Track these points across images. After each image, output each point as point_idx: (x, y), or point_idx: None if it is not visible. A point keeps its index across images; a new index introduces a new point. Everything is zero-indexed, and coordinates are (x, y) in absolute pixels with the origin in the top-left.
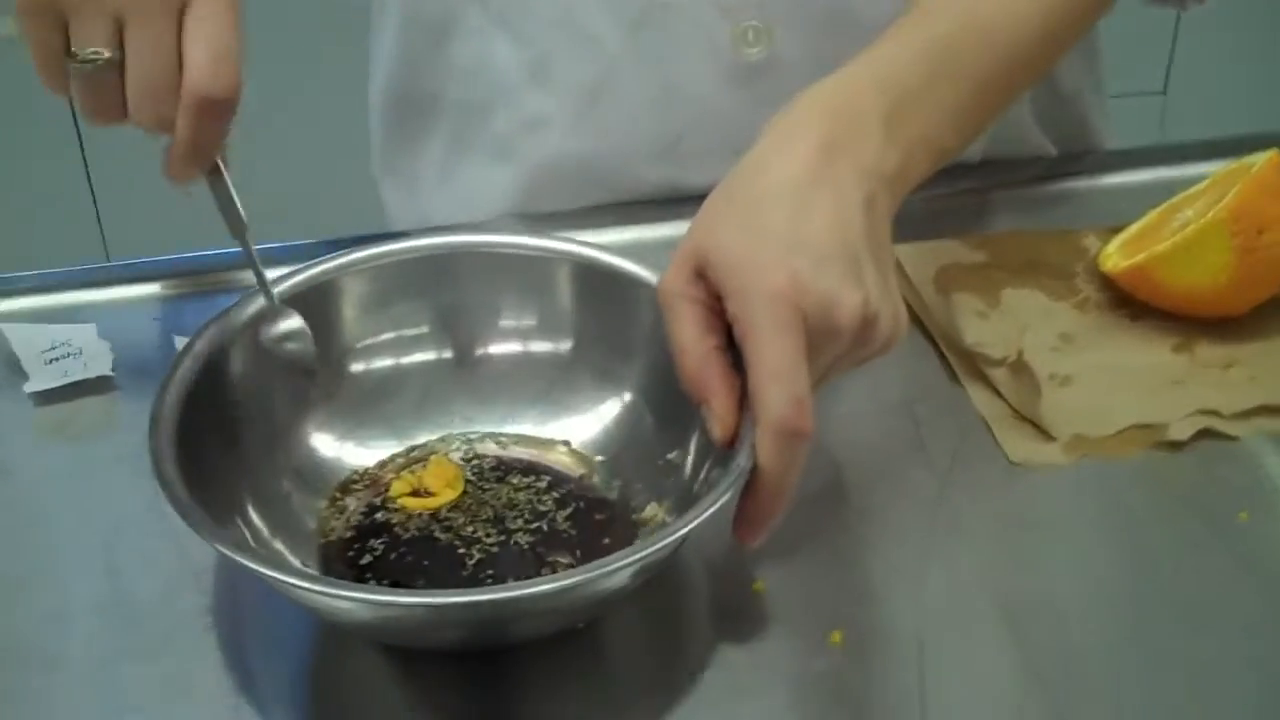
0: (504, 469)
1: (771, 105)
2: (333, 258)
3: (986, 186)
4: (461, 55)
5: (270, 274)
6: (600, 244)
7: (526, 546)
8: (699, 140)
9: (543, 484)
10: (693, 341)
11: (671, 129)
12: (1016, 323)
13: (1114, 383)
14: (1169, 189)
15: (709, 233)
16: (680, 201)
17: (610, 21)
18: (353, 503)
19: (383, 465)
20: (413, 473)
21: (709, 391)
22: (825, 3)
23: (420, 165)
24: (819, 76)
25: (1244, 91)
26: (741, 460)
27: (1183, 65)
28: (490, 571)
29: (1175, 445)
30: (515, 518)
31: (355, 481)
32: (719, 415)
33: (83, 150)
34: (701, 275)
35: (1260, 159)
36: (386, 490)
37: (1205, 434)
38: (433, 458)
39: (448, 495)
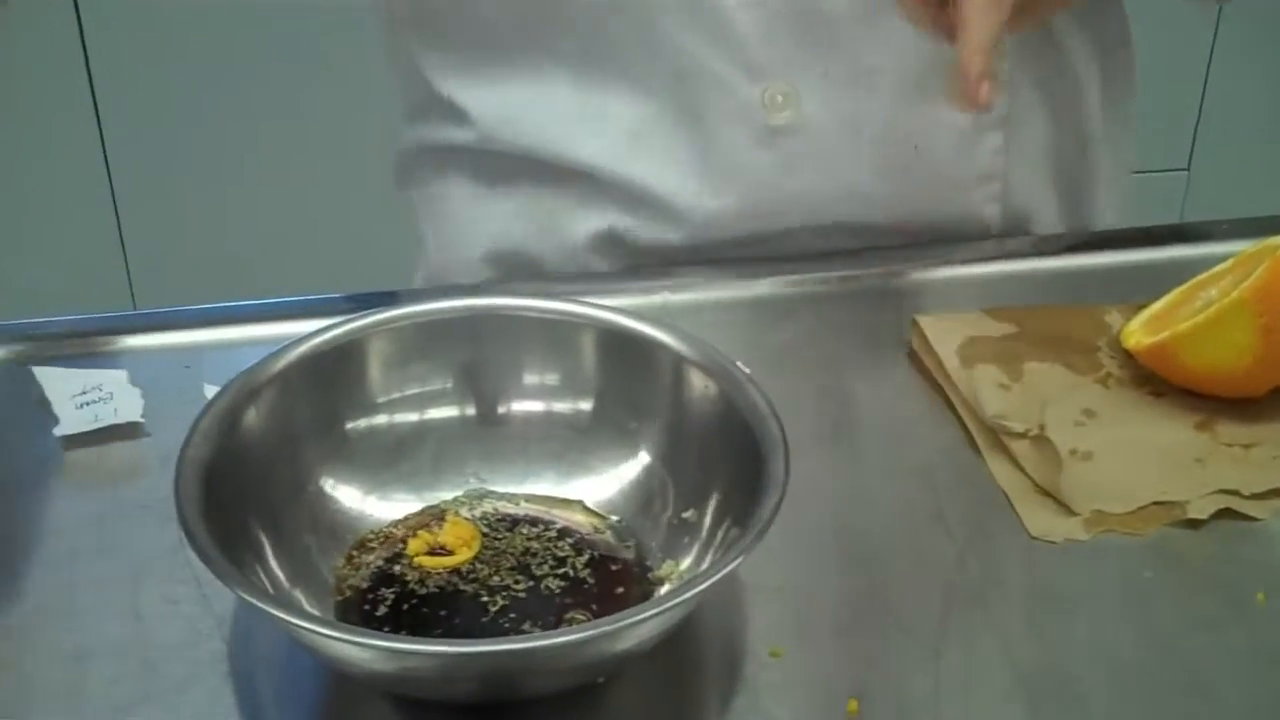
0: (519, 525)
1: (799, 169)
2: (359, 317)
3: (1011, 260)
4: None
5: (300, 330)
6: (622, 307)
7: (546, 595)
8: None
9: (552, 533)
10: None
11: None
12: (1039, 396)
13: (1135, 459)
14: (1192, 268)
15: None
16: (699, 264)
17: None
18: (370, 559)
19: (401, 523)
20: (430, 531)
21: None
22: (850, 63)
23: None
24: (846, 138)
25: (1268, 170)
26: (764, 512)
27: (1206, 142)
28: (510, 618)
29: (1195, 524)
30: (539, 565)
31: (373, 538)
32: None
33: (114, 199)
34: None
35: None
36: (404, 548)
37: (1225, 513)
38: (450, 516)
39: (464, 554)
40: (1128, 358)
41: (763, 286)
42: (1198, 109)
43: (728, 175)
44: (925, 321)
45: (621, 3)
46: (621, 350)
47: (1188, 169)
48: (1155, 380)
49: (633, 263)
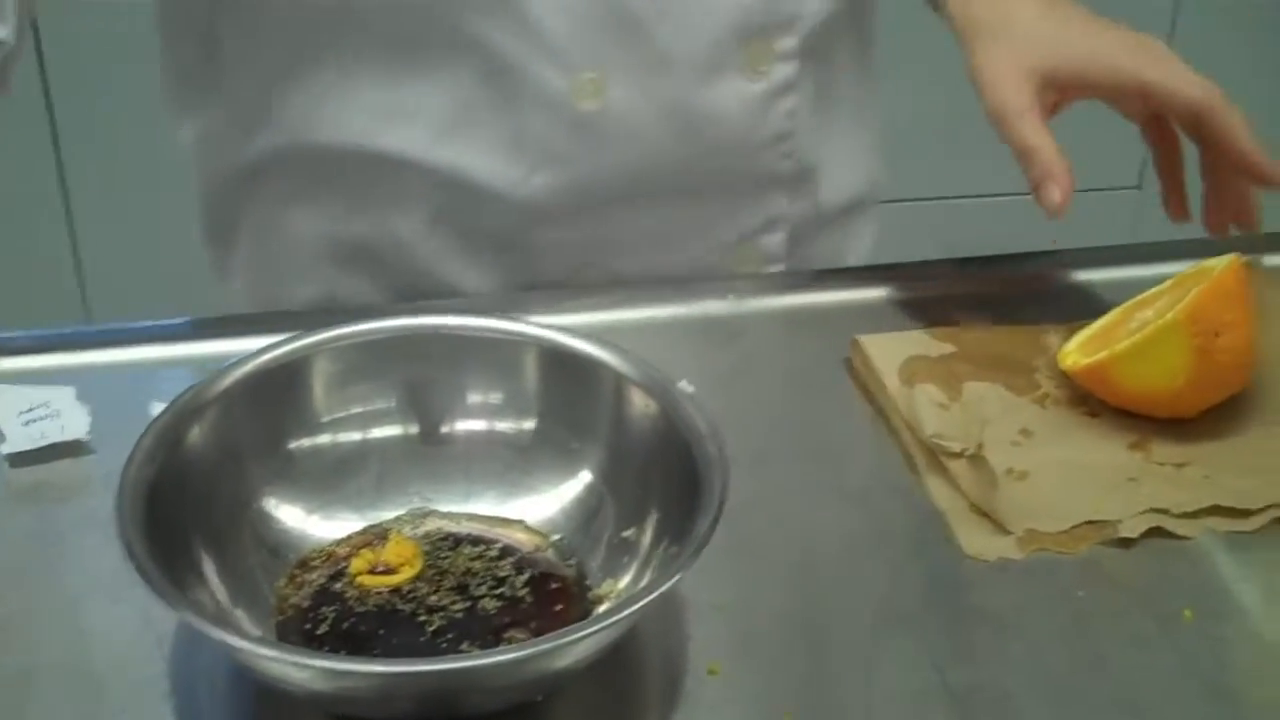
0: (461, 544)
1: (608, 149)
2: (303, 336)
3: (952, 280)
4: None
5: (242, 349)
6: (566, 325)
7: (485, 614)
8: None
9: (494, 552)
10: (1046, 138)
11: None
12: (977, 416)
13: (1069, 479)
14: (1132, 288)
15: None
16: (649, 284)
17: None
18: (312, 578)
19: (344, 542)
20: (373, 549)
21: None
22: (649, 49)
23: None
24: (650, 118)
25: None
26: (700, 531)
27: None
28: (448, 638)
29: (1126, 542)
30: (478, 585)
31: (315, 557)
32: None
33: (69, 214)
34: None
35: (1221, 262)
36: (346, 566)
37: (1156, 532)
38: (393, 535)
39: (406, 573)
40: (1065, 378)
41: (709, 306)
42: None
43: (542, 158)
44: (866, 341)
45: (429, 5)
46: (563, 369)
47: (1139, 186)
48: (1092, 400)
49: (467, 244)
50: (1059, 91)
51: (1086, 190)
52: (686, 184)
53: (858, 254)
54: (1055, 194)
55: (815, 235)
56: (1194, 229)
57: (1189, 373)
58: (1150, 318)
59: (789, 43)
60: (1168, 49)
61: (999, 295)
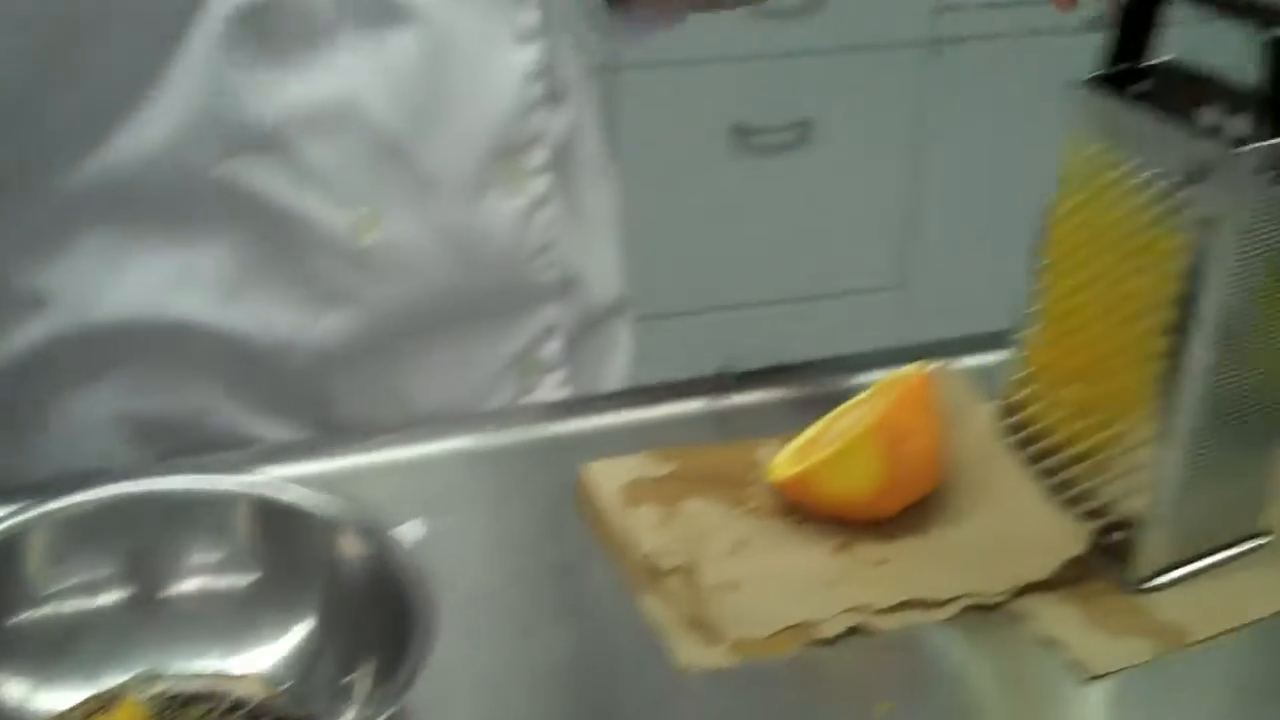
0: (190, 702)
1: (391, 279)
2: (10, 515)
3: (679, 401)
4: None
5: None
6: (284, 476)
7: None
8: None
9: (225, 706)
10: None
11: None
12: (693, 532)
13: (777, 586)
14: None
15: None
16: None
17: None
18: None
19: (70, 712)
20: (102, 715)
21: None
22: (417, 177)
23: None
24: (426, 242)
25: (982, 285)
26: (405, 675)
27: (916, 259)
28: None
29: (828, 642)
30: None
31: None
32: None
33: None
34: None
35: (909, 371)
36: None
37: (857, 629)
38: (121, 701)
39: None
40: (776, 490)
41: (452, 443)
42: (908, 225)
43: (330, 301)
44: (592, 468)
45: (199, 167)
46: (278, 521)
47: (901, 287)
48: (801, 509)
49: (265, 401)
50: None
51: (850, 293)
52: (467, 307)
53: (625, 354)
54: None
55: (586, 339)
56: (962, 326)
57: (881, 478)
58: (847, 427)
59: (540, 157)
60: None
61: (719, 414)
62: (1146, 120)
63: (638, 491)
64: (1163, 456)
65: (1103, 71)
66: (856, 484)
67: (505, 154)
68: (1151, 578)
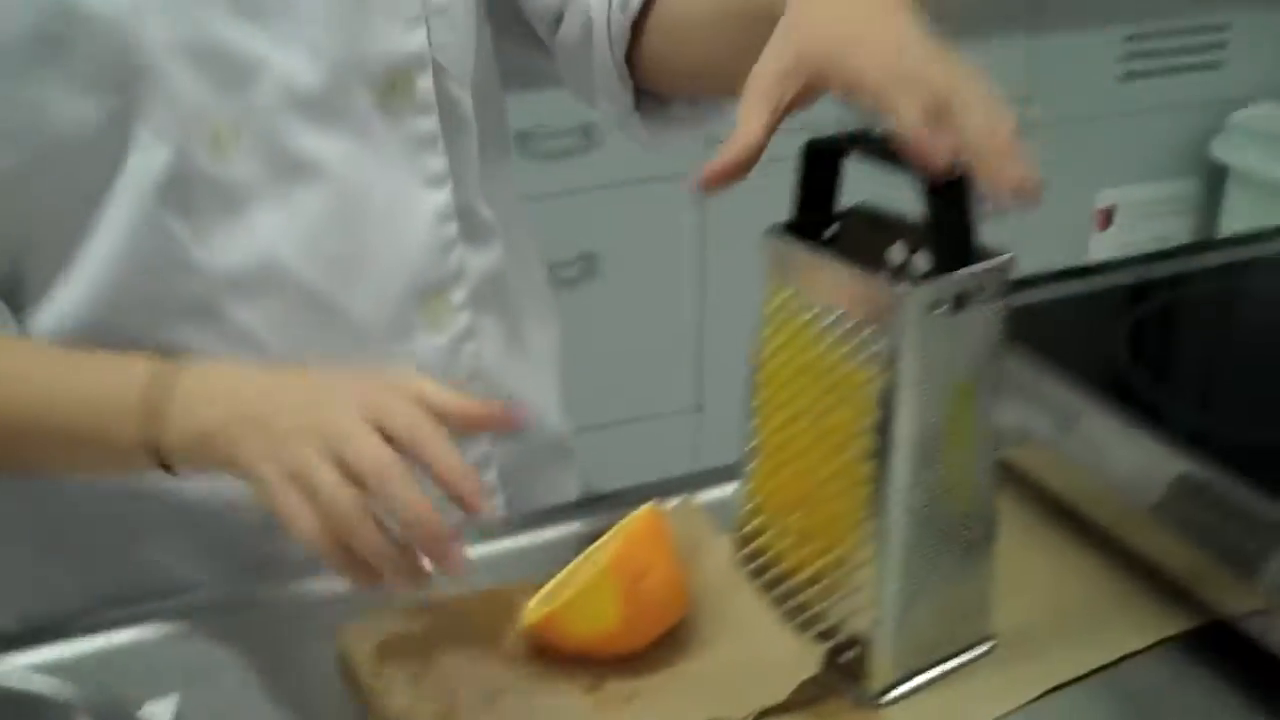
0: None
1: None
2: None
3: None
4: None
5: None
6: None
7: None
8: None
9: None
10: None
11: None
12: (445, 685)
13: None
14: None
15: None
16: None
17: None
18: None
19: None
20: None
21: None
22: (344, 328)
23: None
24: None
25: None
26: None
27: (714, 381)
28: None
29: None
30: None
31: None
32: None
33: None
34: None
35: (639, 512)
36: None
37: None
38: None
39: None
40: (529, 633)
41: (212, 614)
42: (700, 349)
43: None
44: (346, 629)
45: (133, 333)
46: (13, 710)
47: (700, 410)
48: (552, 651)
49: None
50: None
51: (649, 418)
52: None
53: (570, 491)
54: (705, 169)
55: (528, 473)
56: None
57: (621, 617)
58: (588, 569)
59: (462, 294)
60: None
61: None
62: (827, 265)
63: (392, 648)
64: (880, 575)
65: (791, 219)
66: (599, 624)
67: (426, 294)
68: (884, 692)
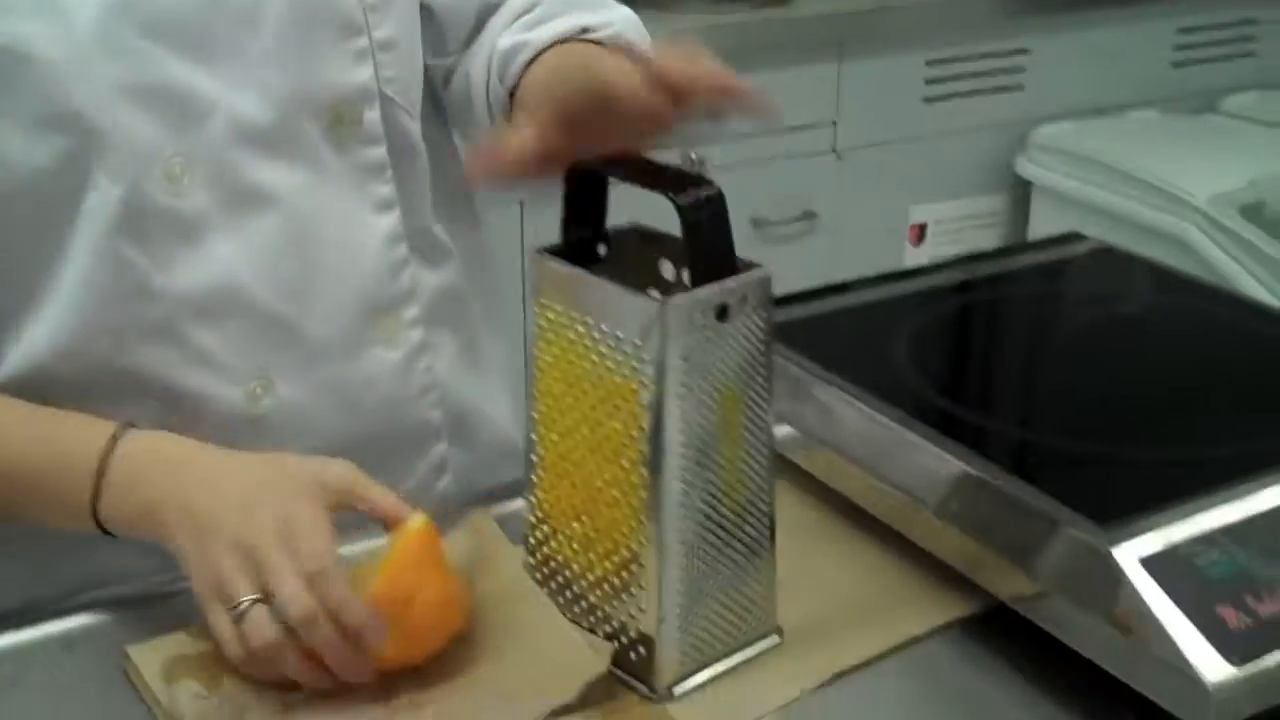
0: None
1: (287, 442)
2: None
3: None
4: None
5: None
6: None
7: None
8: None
9: None
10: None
11: None
12: (237, 703)
13: None
14: None
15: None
16: None
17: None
18: None
19: None
20: None
21: None
22: (301, 345)
23: None
24: (316, 402)
25: None
26: None
27: None
28: None
29: None
30: None
31: None
32: None
33: None
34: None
35: (402, 533)
36: None
37: None
38: None
39: None
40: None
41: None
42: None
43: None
44: (133, 650)
45: (99, 359)
46: None
47: None
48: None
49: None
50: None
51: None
52: (358, 451)
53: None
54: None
55: (482, 475)
56: None
57: (395, 637)
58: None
59: (412, 313)
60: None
61: None
62: (592, 282)
63: (178, 668)
64: (661, 575)
65: (561, 240)
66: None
67: (379, 312)
68: (672, 686)
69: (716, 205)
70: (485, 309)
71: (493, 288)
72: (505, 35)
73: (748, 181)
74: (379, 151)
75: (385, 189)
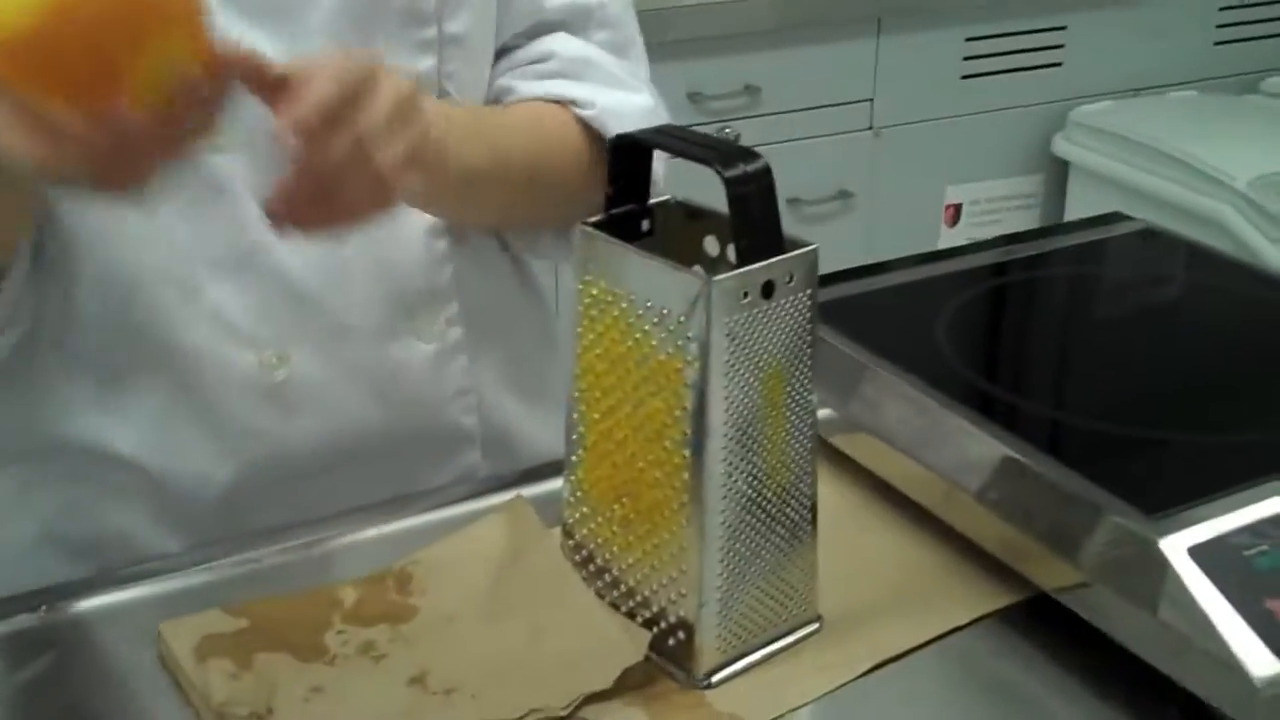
0: None
1: (299, 414)
2: None
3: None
4: None
5: None
6: None
7: None
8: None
9: None
10: None
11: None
12: (268, 681)
13: None
14: None
15: None
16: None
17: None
18: None
19: None
20: None
21: None
22: (328, 322)
23: None
24: (335, 380)
25: None
26: None
27: None
28: None
29: None
30: None
31: None
32: None
33: None
34: None
35: None
36: None
37: None
38: None
39: None
40: (356, 629)
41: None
42: None
43: (241, 438)
44: (166, 627)
45: (119, 317)
46: None
47: None
48: (378, 645)
49: (185, 531)
50: None
51: None
52: (381, 441)
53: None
54: None
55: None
56: None
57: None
58: None
59: (451, 310)
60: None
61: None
62: (637, 258)
63: (211, 646)
64: (702, 560)
65: (603, 215)
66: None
67: (415, 304)
68: (711, 674)
69: (764, 179)
70: (540, 335)
71: (548, 314)
72: (508, 75)
73: (784, 160)
74: None
75: None
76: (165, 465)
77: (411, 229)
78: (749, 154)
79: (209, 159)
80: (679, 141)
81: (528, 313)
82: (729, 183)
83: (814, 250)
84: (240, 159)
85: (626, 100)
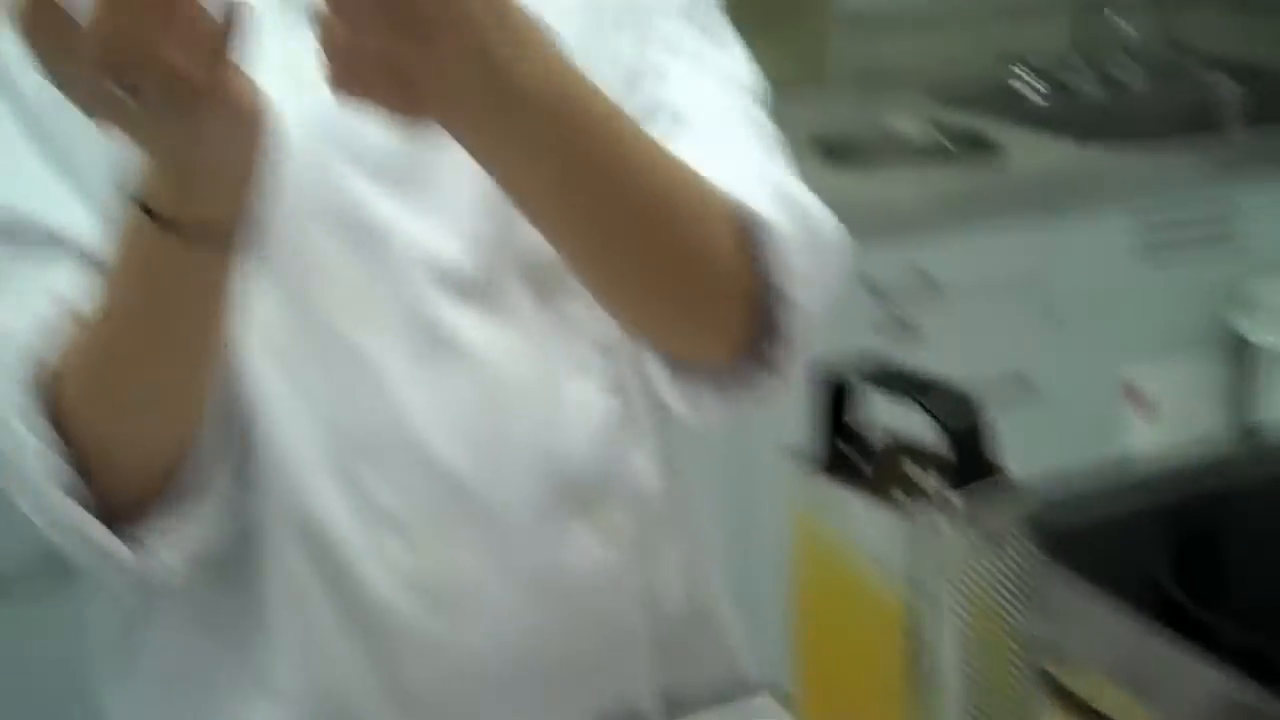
0: None
1: (468, 626)
2: None
3: None
4: None
5: None
6: None
7: None
8: None
9: None
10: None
11: None
12: None
13: None
14: None
15: None
16: None
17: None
18: None
19: None
20: None
21: None
22: (485, 512)
23: None
24: (504, 585)
25: None
26: None
27: None
28: None
29: None
30: None
31: None
32: None
33: None
34: None
35: None
36: None
37: None
38: None
39: None
40: None
41: None
42: None
43: (408, 649)
44: None
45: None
46: None
47: None
48: None
49: None
50: None
51: None
52: (553, 657)
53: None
54: None
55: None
56: None
57: None
58: None
59: (624, 499)
60: None
61: None
62: (857, 500)
63: None
64: None
65: (820, 453)
66: None
67: (583, 494)
68: None
69: (981, 425)
70: (697, 515)
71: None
72: None
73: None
74: (583, 305)
75: (590, 350)
76: (329, 686)
77: (573, 408)
78: (963, 397)
79: (360, 339)
80: (895, 381)
81: (688, 500)
82: (951, 434)
83: (1034, 491)
84: (394, 338)
85: (716, 65)
